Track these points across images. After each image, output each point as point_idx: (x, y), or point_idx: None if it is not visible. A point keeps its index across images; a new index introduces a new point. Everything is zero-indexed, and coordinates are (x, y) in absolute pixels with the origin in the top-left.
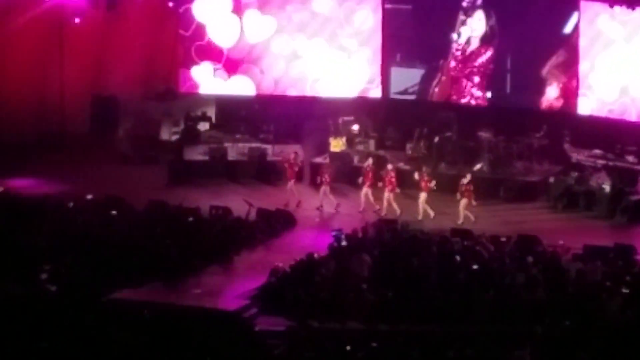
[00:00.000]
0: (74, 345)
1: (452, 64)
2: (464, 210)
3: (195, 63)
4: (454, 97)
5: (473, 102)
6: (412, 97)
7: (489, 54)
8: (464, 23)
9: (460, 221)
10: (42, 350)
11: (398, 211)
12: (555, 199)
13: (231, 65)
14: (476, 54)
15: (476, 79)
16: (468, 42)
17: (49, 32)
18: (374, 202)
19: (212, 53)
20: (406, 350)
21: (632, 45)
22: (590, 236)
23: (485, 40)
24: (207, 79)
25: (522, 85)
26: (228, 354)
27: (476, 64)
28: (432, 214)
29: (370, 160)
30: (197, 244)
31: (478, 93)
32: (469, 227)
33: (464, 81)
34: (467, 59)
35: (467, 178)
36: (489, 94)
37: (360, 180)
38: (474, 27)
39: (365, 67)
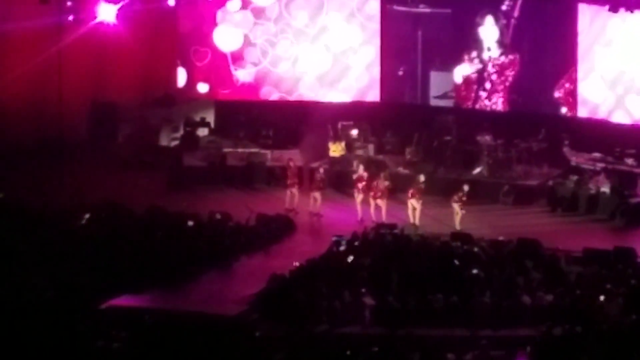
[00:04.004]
0: (73, 352)
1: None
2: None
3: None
4: (478, 103)
5: (496, 107)
6: (451, 101)
7: (508, 59)
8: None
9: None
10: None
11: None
12: (554, 202)
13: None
14: (497, 59)
15: (499, 85)
16: (489, 48)
17: (47, 39)
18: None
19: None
20: (406, 354)
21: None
22: (590, 239)
23: (503, 46)
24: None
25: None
26: (229, 359)
27: (496, 70)
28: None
29: (361, 169)
30: (196, 249)
31: (500, 99)
32: (470, 231)
33: (489, 86)
34: (490, 64)
35: (465, 188)
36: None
37: (355, 190)
38: (488, 34)
39: (365, 71)
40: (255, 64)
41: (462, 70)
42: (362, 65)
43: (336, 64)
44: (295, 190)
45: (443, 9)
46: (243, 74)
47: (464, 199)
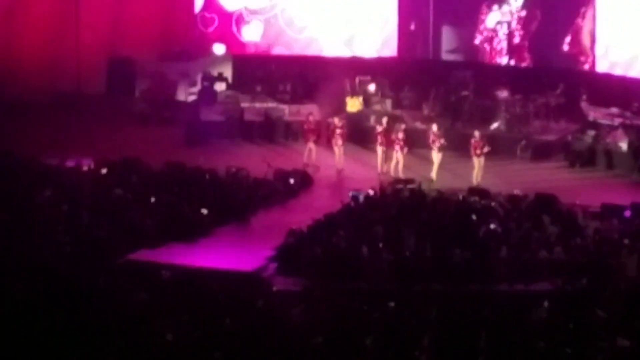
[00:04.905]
0: (91, 306)
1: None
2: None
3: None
4: (497, 57)
5: (513, 61)
6: (462, 55)
7: (526, 13)
8: None
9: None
10: (58, 313)
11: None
12: (572, 157)
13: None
14: (515, 13)
15: (518, 39)
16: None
17: None
18: (384, 163)
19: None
20: (423, 310)
21: None
22: (608, 194)
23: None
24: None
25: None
26: (246, 314)
27: (518, 23)
28: (434, 176)
29: (384, 122)
30: (214, 204)
31: (521, 53)
32: (487, 186)
33: (508, 40)
34: (507, 18)
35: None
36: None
37: (376, 143)
38: None
39: (380, 27)
40: (265, 22)
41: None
42: (379, 21)
43: (351, 21)
44: (313, 145)
45: None
46: (251, 34)
47: (481, 147)
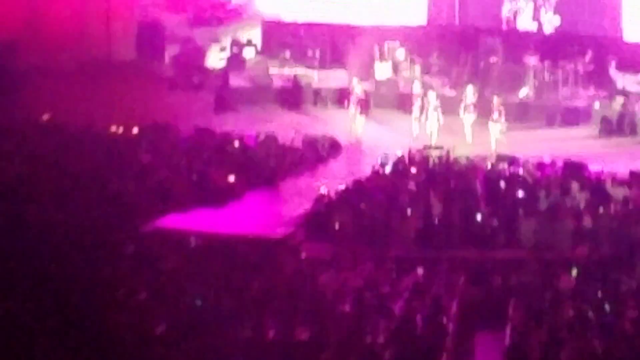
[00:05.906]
0: (118, 273)
1: None
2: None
3: None
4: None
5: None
6: (488, 22)
7: None
8: None
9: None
10: (85, 282)
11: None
12: (600, 124)
13: None
14: None
15: (546, 5)
16: None
17: None
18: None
19: None
20: (451, 277)
21: None
22: (636, 162)
23: None
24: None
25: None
26: (274, 281)
27: None
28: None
29: (418, 87)
30: (242, 170)
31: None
32: (515, 152)
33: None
34: None
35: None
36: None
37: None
38: None
39: None
40: None
41: None
42: None
43: None
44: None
45: None
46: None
47: (502, 113)
